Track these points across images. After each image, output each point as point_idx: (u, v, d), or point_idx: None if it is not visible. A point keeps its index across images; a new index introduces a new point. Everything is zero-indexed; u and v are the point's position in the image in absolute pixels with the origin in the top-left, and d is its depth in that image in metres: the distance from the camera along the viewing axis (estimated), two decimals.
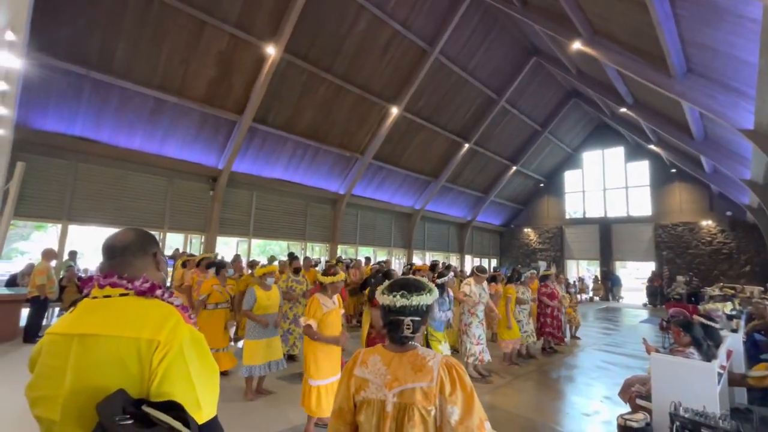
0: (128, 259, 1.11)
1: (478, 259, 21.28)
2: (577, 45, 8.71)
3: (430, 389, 1.24)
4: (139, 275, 1.10)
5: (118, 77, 7.93)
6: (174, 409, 0.86)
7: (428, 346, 4.64)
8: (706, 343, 3.30)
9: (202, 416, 0.94)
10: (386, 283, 1.48)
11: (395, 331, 1.37)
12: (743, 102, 6.26)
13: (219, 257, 7.43)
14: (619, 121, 15.35)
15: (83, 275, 8.46)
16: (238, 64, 9.09)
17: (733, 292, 9.12)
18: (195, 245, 10.82)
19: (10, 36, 4.95)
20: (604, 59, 8.45)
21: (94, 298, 1.04)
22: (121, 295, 1.03)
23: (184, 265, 6.47)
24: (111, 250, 1.12)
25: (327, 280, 3.49)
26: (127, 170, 9.08)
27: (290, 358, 5.76)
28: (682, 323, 3.39)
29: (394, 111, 12.07)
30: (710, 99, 6.64)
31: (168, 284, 1.16)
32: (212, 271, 5.22)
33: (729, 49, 5.65)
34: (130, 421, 0.80)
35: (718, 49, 5.81)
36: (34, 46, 6.72)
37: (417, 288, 1.41)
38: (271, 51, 8.90)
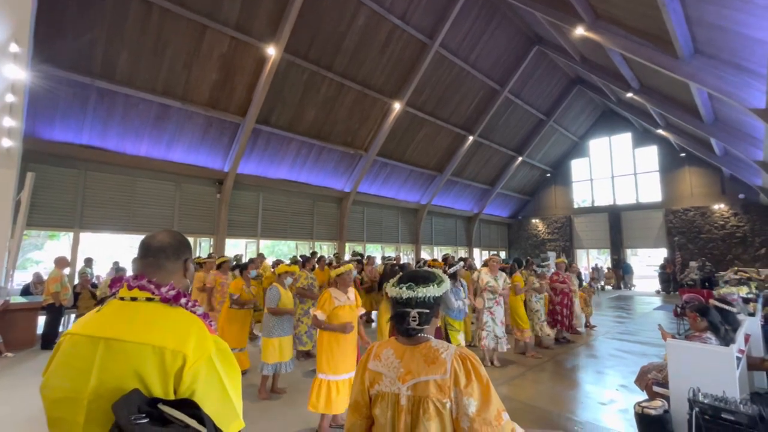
0: (160, 260, 1.13)
1: (487, 251, 21.17)
2: (579, 31, 8.58)
3: (443, 381, 1.22)
4: (167, 278, 1.12)
5: (122, 85, 8.00)
6: (189, 406, 0.86)
7: (447, 335, 4.69)
8: (724, 327, 3.24)
9: (241, 423, 1.00)
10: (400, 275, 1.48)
11: (400, 322, 1.36)
12: (754, 81, 6.12)
13: (243, 260, 7.58)
14: (626, 107, 15.12)
15: (96, 282, 8.59)
16: (240, 66, 9.12)
17: (748, 275, 8.96)
18: (204, 248, 10.93)
19: (14, 48, 5.02)
20: (608, 44, 8.31)
21: (122, 299, 1.06)
22: (147, 299, 1.05)
23: (200, 266, 6.60)
24: (146, 248, 1.14)
25: (334, 273, 3.59)
26: (135, 176, 9.19)
27: (309, 355, 5.89)
28: (699, 308, 3.33)
29: (397, 106, 12.02)
30: (719, 79, 6.49)
31: (189, 288, 1.20)
32: (236, 272, 5.39)
33: (738, 27, 5.51)
34: (145, 420, 0.80)
35: (727, 27, 5.67)
36: (39, 58, 6.81)
37: (425, 279, 1.39)
38: (272, 51, 8.91)
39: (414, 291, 1.35)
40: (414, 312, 1.34)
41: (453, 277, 4.92)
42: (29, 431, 3.33)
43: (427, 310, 1.36)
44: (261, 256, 8.55)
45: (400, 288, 1.37)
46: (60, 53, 7.17)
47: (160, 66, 8.27)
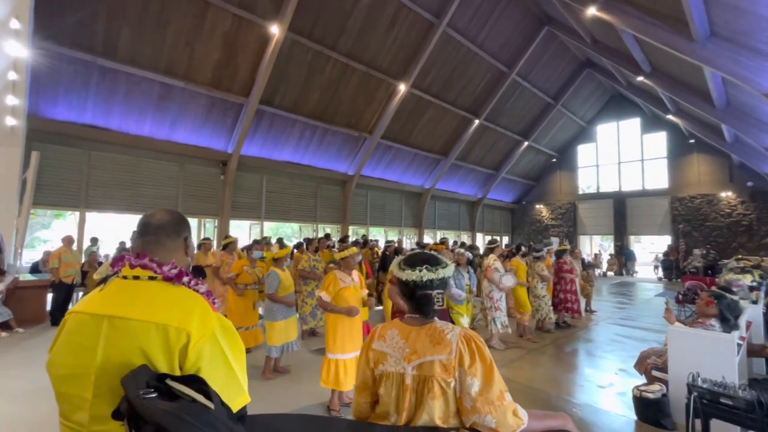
0: (161, 238, 1.13)
1: (490, 236, 21.17)
2: (592, 11, 8.32)
3: (449, 361, 1.25)
4: (169, 256, 1.12)
5: (124, 63, 7.89)
6: (196, 382, 0.87)
7: (451, 320, 4.76)
8: (733, 315, 3.27)
9: (247, 398, 1.00)
10: (399, 258, 1.48)
11: (428, 305, 1.38)
12: None
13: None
14: (636, 91, 14.79)
15: (103, 260, 8.70)
16: (243, 45, 8.95)
17: (751, 264, 8.91)
18: (209, 230, 10.99)
19: (15, 24, 4.94)
20: (621, 25, 8.07)
21: (125, 277, 1.06)
22: (150, 278, 1.05)
23: (198, 247, 6.70)
24: (146, 227, 1.14)
25: (338, 256, 3.62)
26: (139, 157, 9.17)
27: (314, 333, 6.05)
28: (717, 294, 3.37)
29: (402, 88, 11.82)
30: (735, 63, 6.31)
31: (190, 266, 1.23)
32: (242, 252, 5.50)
33: (756, 8, 5.31)
34: (154, 395, 0.82)
35: (746, 8, 5.47)
36: (41, 36, 6.70)
37: (438, 261, 1.43)
38: (275, 30, 8.72)
39: (435, 272, 1.38)
40: (436, 293, 1.38)
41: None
42: (42, 404, 3.43)
43: (443, 291, 1.41)
44: (266, 239, 8.63)
45: (420, 271, 1.38)
46: (61, 30, 7.03)
47: (162, 44, 8.14)
